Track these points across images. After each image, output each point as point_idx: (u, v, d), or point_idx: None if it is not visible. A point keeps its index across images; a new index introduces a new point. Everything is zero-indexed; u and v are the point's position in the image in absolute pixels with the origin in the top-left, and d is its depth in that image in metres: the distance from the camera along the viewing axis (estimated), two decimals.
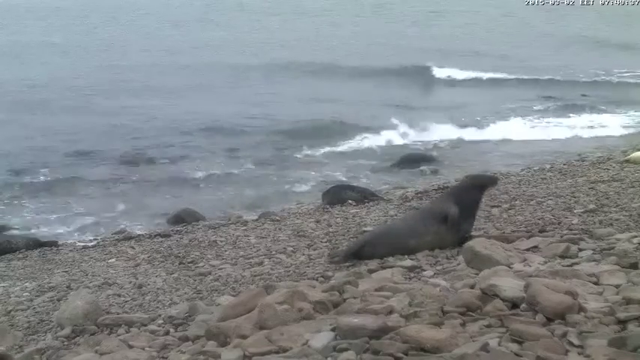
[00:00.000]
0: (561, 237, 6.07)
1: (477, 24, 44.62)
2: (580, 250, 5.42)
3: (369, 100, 22.54)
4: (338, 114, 19.67)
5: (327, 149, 16.24)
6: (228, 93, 23.81)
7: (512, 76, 27.02)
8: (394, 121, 18.04)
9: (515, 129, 17.96)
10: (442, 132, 17.42)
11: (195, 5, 58.39)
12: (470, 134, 17.39)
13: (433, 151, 15.85)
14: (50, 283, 7.43)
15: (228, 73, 27.01)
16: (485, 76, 27.23)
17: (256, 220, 10.00)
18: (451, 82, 27.01)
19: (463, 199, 6.57)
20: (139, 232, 10.23)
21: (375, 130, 17.60)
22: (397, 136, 17.24)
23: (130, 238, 9.69)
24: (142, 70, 27.43)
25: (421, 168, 14.12)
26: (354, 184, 11.85)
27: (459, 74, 27.66)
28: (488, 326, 3.50)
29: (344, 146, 16.56)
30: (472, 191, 6.67)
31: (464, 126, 18.07)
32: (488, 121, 18.86)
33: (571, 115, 20.11)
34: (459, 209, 6.48)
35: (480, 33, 40.32)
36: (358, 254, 6.66)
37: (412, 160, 14.74)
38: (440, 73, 27.97)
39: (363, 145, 16.57)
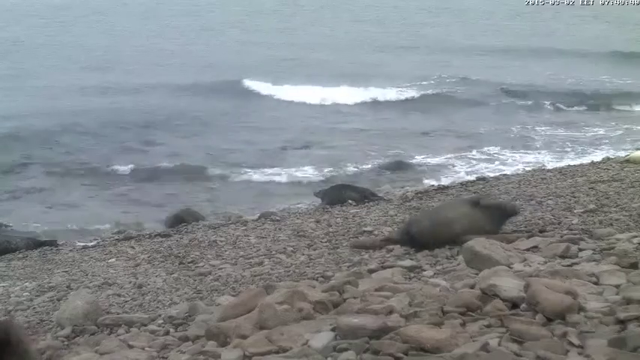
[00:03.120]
0: (561, 237, 6.06)
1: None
2: (580, 250, 5.41)
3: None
4: None
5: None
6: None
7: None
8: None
9: None
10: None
11: None
12: None
13: None
14: (50, 283, 7.43)
15: None
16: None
17: (256, 220, 9.97)
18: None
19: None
20: (138, 232, 10.23)
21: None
22: None
23: (130, 238, 9.67)
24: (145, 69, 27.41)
25: (420, 168, 14.13)
26: (354, 184, 11.84)
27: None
28: (488, 326, 3.50)
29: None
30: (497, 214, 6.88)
31: None
32: None
33: None
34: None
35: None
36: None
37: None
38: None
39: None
